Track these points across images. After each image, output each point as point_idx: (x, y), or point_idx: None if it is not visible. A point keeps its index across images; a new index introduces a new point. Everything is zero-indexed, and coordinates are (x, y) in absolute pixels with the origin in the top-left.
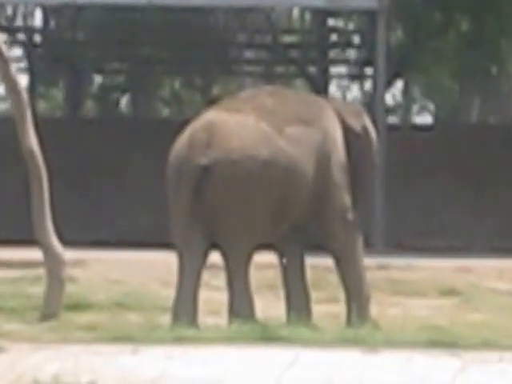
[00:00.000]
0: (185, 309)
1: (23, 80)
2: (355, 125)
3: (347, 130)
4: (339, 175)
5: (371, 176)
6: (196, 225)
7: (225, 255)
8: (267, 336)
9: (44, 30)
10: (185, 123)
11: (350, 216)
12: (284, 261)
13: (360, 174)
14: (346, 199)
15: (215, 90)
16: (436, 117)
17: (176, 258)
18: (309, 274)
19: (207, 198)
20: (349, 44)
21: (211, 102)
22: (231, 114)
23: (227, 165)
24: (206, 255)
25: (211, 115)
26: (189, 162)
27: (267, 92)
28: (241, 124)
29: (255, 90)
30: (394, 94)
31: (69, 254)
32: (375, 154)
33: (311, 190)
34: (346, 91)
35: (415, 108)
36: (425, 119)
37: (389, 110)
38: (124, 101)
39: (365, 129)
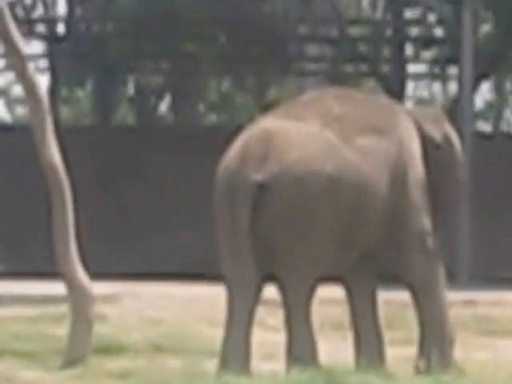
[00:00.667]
0: (235, 352)
1: (43, 81)
2: (435, 133)
3: (426, 140)
4: (417, 194)
5: (455, 194)
6: (249, 253)
7: (283, 289)
8: None
9: (68, 22)
10: (236, 132)
11: (431, 242)
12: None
13: (442, 192)
14: (426, 223)
15: (271, 93)
16: None
17: (225, 293)
18: (382, 310)
19: (263, 220)
20: (430, 38)
21: (267, 106)
22: (291, 121)
23: (287, 181)
24: (260, 289)
25: (267, 122)
26: (241, 179)
27: (333, 95)
28: (303, 133)
29: (319, 92)
30: (483, 97)
31: (97, 288)
32: (460, 167)
33: (385, 212)
34: (426, 93)
35: (509, 113)
36: None
37: (477, 116)
38: (163, 105)
39: (447, 138)
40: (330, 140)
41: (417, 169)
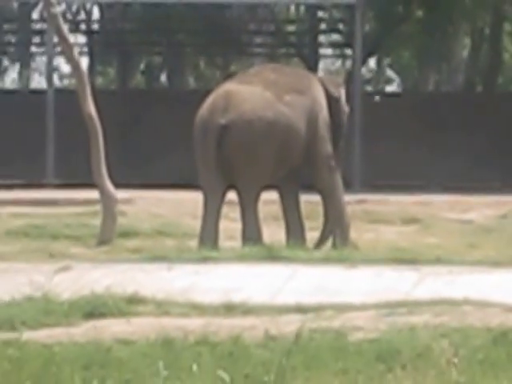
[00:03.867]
0: (208, 236)
1: (84, 61)
2: (335, 92)
3: (329, 96)
4: (324, 131)
5: (344, 128)
6: (217, 171)
7: (239, 193)
8: (272, 255)
9: (100, 22)
10: (207, 93)
11: (332, 162)
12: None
13: (338, 128)
14: (329, 149)
15: (232, 68)
16: (402, 86)
17: (202, 197)
18: (303, 207)
19: (226, 149)
20: (333, 30)
21: (228, 76)
22: (243, 85)
23: (241, 124)
24: (224, 194)
25: (227, 86)
26: (211, 123)
27: (270, 68)
28: (251, 93)
29: (261, 67)
30: (368, 69)
31: (120, 194)
32: (345, 113)
33: (304, 143)
34: (331, 68)
35: (384, 80)
36: (392, 88)
37: (365, 82)
38: (163, 77)
39: (340, 95)
40: (268, 97)
41: (323, 115)
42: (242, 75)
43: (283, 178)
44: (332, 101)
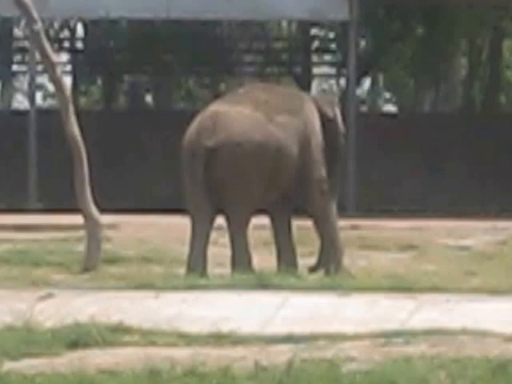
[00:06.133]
0: (196, 262)
1: (68, 80)
2: (329, 112)
3: (323, 116)
4: (317, 153)
5: (341, 153)
6: (205, 195)
7: (228, 219)
8: (262, 283)
9: (84, 39)
10: (196, 113)
11: (325, 186)
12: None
13: (332, 150)
14: (323, 173)
15: (221, 87)
16: (399, 107)
17: (189, 222)
18: (295, 232)
19: (214, 173)
20: (327, 49)
21: (216, 96)
22: (232, 105)
23: (229, 147)
24: (213, 219)
25: (215, 107)
26: (198, 145)
27: (261, 88)
28: (239, 113)
29: (251, 86)
30: (363, 90)
31: (105, 219)
32: (341, 134)
33: (296, 166)
34: (325, 87)
35: (381, 100)
36: (389, 108)
37: (360, 102)
38: (149, 97)
39: (335, 115)
40: (258, 118)
41: (317, 137)
42: (230, 95)
43: (274, 202)
44: (326, 121)
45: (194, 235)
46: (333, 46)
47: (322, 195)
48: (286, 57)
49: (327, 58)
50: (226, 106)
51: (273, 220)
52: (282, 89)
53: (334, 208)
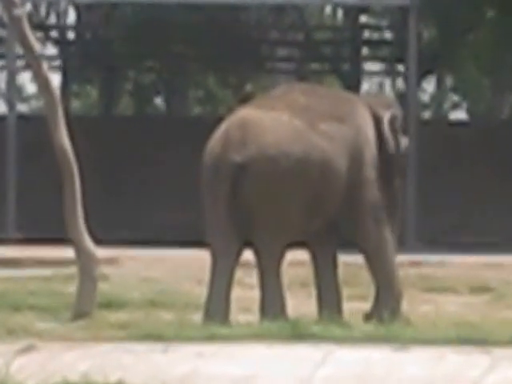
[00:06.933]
0: (217, 306)
1: (56, 78)
2: (388, 120)
3: (380, 125)
4: (371, 172)
5: (403, 170)
6: (230, 223)
7: (258, 253)
8: (298, 333)
9: (77, 28)
10: (218, 121)
11: (381, 213)
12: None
13: (391, 168)
14: (377, 196)
15: (248, 88)
16: (471, 113)
17: (209, 256)
18: (340, 270)
19: (242, 196)
20: (381, 41)
21: (243, 99)
22: (265, 110)
23: (262, 162)
24: (239, 253)
25: (245, 112)
26: (224, 161)
27: (299, 89)
28: (274, 121)
29: (288, 87)
30: (426, 92)
31: (102, 252)
32: (404, 148)
33: (344, 187)
34: (378, 88)
35: (448, 104)
36: (458, 115)
37: (422, 107)
38: (158, 100)
39: (397, 124)
40: (297, 126)
41: (371, 149)
42: (262, 98)
43: (317, 232)
44: (384, 131)
45: (216, 272)
46: (388, 37)
47: (377, 223)
48: (329, 50)
49: (381, 52)
50: (258, 112)
51: (314, 254)
52: (327, 90)
53: (391, 240)
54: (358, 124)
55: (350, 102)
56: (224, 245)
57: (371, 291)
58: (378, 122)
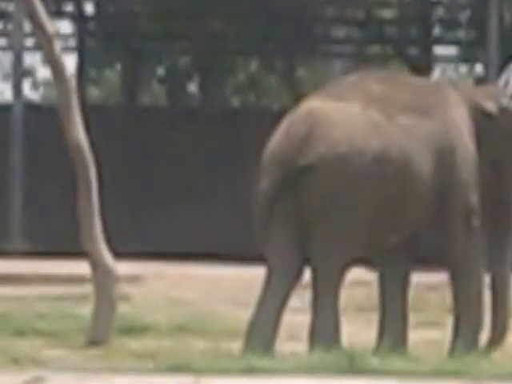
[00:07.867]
0: (262, 333)
1: (71, 61)
2: (490, 106)
3: (479, 113)
4: (467, 173)
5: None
6: (292, 235)
7: (314, 271)
8: (354, 367)
9: (97, 1)
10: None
11: (475, 221)
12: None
13: (499, 169)
14: (473, 201)
15: (297, 74)
16: None
17: (264, 273)
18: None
19: (306, 201)
20: (456, 21)
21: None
22: (333, 102)
23: (332, 162)
24: (299, 273)
25: (311, 104)
26: (287, 161)
27: (373, 77)
28: (345, 113)
29: (359, 74)
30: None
31: (122, 268)
32: None
33: (429, 192)
34: (452, 76)
35: None
36: None
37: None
38: (192, 87)
39: (504, 110)
40: (372, 119)
41: (465, 147)
42: (331, 87)
43: (392, 246)
44: (488, 125)
45: (268, 291)
46: (464, 16)
47: (468, 234)
48: (394, 31)
49: (455, 34)
50: (326, 103)
51: (382, 274)
52: (411, 79)
53: (478, 256)
54: (450, 117)
55: (439, 93)
56: (284, 260)
57: (442, 317)
58: (477, 115)
